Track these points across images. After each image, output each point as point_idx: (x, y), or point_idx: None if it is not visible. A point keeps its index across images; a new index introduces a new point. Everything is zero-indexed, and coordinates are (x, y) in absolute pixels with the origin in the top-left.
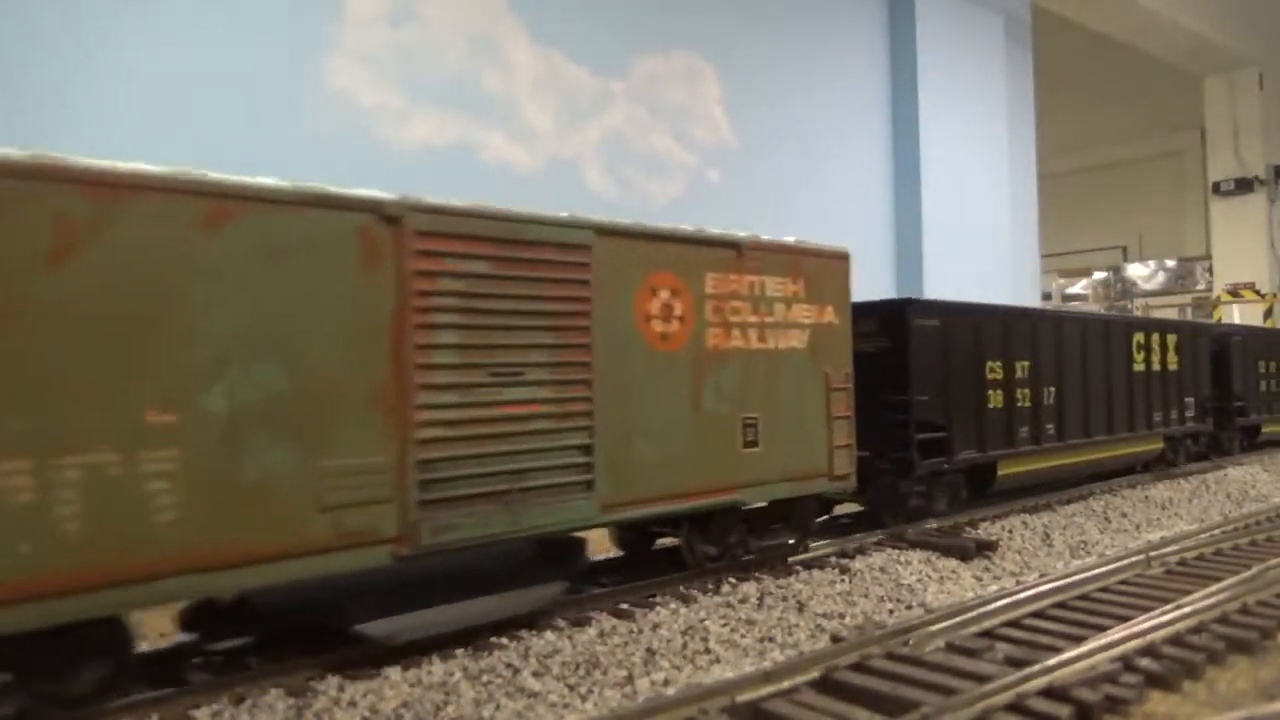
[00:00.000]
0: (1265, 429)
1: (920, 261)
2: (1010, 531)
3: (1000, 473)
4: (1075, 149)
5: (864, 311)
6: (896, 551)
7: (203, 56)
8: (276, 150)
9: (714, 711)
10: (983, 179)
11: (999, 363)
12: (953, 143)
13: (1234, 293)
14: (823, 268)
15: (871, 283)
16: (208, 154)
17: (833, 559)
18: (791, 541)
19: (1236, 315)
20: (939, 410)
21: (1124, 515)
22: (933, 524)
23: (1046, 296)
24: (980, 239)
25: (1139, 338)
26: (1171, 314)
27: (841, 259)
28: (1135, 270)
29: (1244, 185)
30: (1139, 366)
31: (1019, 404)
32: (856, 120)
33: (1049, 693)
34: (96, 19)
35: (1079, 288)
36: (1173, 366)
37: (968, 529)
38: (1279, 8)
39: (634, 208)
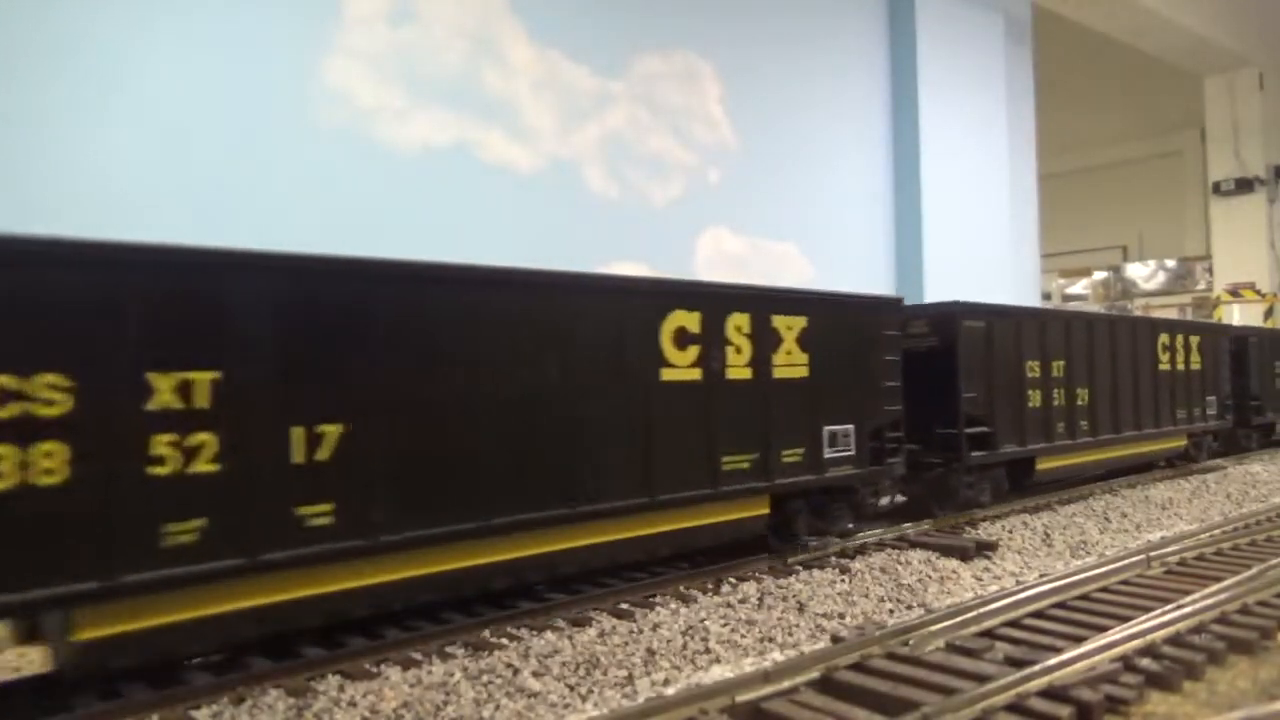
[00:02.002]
0: (1043, 465)
1: (920, 261)
2: (1010, 531)
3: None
4: (1075, 149)
5: None
6: (897, 552)
7: (202, 56)
8: (276, 150)
9: (714, 711)
10: (983, 179)
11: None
12: (953, 142)
13: (1234, 293)
14: None
15: (872, 283)
16: (207, 154)
17: (833, 559)
18: None
19: (1237, 315)
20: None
21: (1124, 515)
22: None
23: (1046, 296)
24: (980, 239)
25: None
26: (1172, 314)
27: None
28: (1135, 270)
29: (1244, 185)
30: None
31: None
32: (856, 120)
33: (1049, 693)
34: (95, 19)
35: (1079, 288)
36: (786, 373)
37: (968, 529)
38: (1279, 8)
39: (634, 207)
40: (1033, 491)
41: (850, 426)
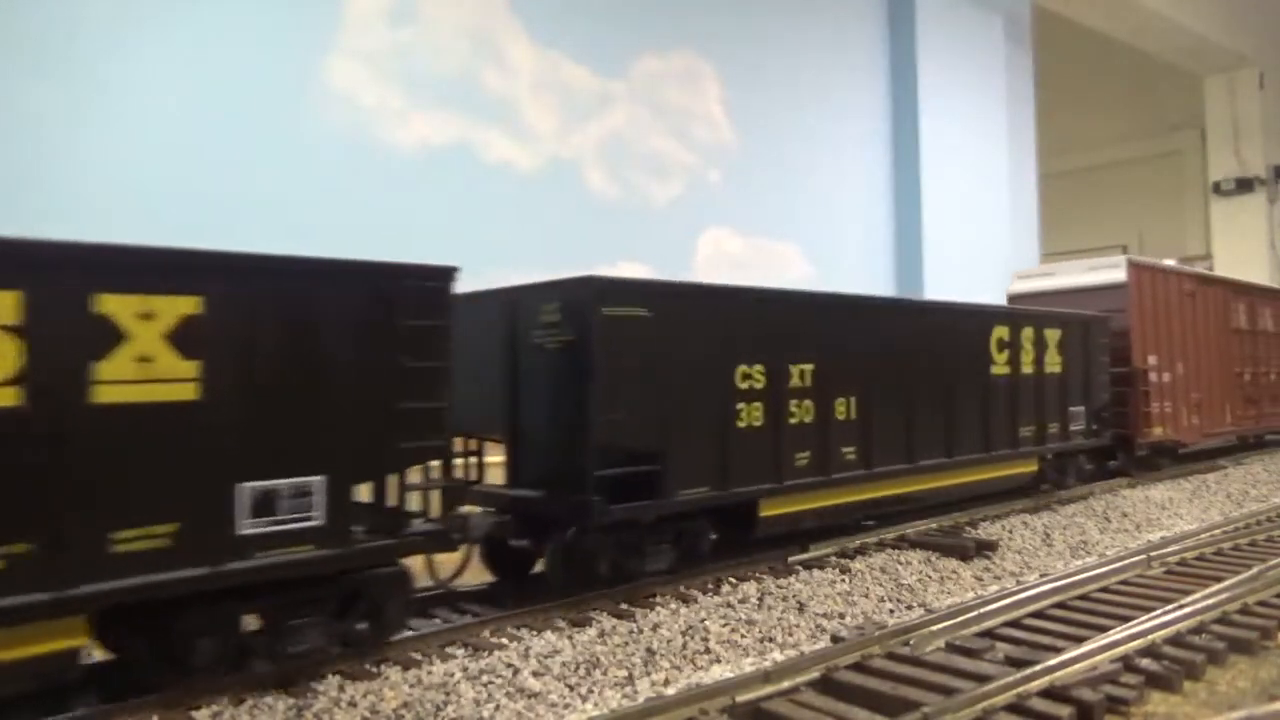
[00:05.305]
0: None
1: (920, 261)
2: (1010, 531)
3: None
4: (1076, 149)
5: None
6: (897, 551)
7: (202, 57)
8: (275, 150)
9: (714, 711)
10: (983, 179)
11: None
12: (953, 142)
13: None
14: None
15: (872, 283)
16: (208, 155)
17: (833, 559)
18: None
19: None
20: None
21: (1124, 515)
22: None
23: None
24: (980, 239)
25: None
26: None
27: None
28: None
29: (1244, 185)
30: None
31: None
32: (857, 120)
33: (1049, 693)
34: (94, 19)
35: None
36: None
37: (968, 529)
38: (1279, 8)
39: (634, 207)
40: None
41: None
